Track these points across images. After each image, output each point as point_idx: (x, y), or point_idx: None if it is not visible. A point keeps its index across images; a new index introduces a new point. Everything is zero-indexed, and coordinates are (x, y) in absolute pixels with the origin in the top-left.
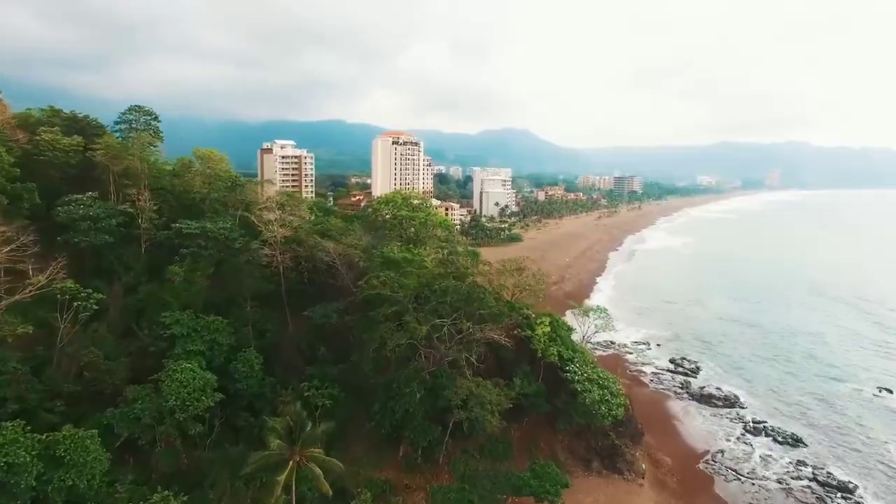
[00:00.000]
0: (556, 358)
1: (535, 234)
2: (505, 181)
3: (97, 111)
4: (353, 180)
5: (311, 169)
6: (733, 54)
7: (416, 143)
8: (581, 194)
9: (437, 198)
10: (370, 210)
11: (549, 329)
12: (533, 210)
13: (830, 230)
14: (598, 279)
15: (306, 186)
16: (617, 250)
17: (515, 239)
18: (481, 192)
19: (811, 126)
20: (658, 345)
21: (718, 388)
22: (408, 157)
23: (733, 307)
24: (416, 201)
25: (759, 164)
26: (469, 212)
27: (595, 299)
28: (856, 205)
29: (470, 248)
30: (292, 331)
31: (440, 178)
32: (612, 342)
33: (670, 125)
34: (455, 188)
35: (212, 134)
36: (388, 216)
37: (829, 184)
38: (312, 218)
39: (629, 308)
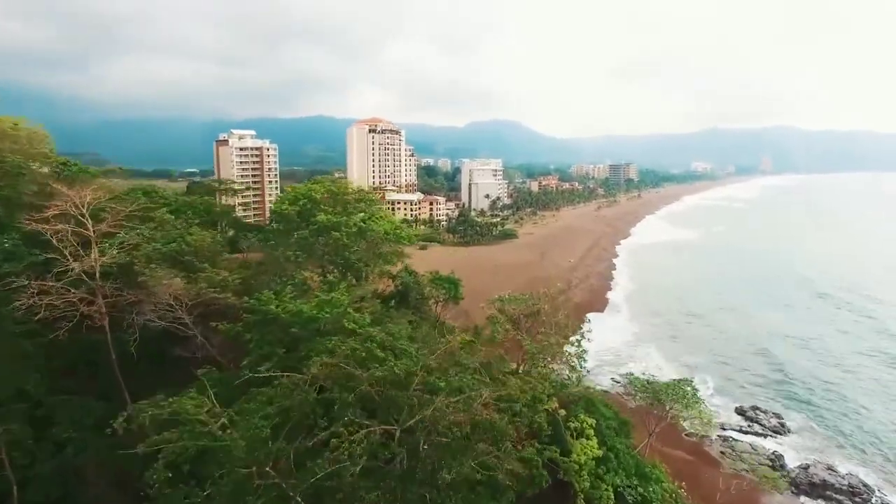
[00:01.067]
0: (612, 502)
1: (532, 228)
2: (496, 171)
3: (83, 112)
4: (337, 175)
5: (275, 163)
6: (724, 45)
7: (397, 132)
8: (577, 184)
9: (423, 191)
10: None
11: (596, 448)
12: (527, 202)
13: (840, 218)
14: (610, 283)
15: (269, 182)
16: (623, 245)
17: (510, 235)
18: (470, 184)
19: (797, 111)
20: (707, 382)
21: (831, 469)
22: (387, 146)
23: (775, 317)
24: (351, 196)
25: (748, 150)
26: (457, 206)
27: (611, 312)
28: (855, 191)
29: (443, 276)
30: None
31: (427, 171)
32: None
33: (658, 115)
34: (443, 181)
35: (200, 134)
36: (296, 224)
37: (819, 167)
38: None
39: (656, 325)
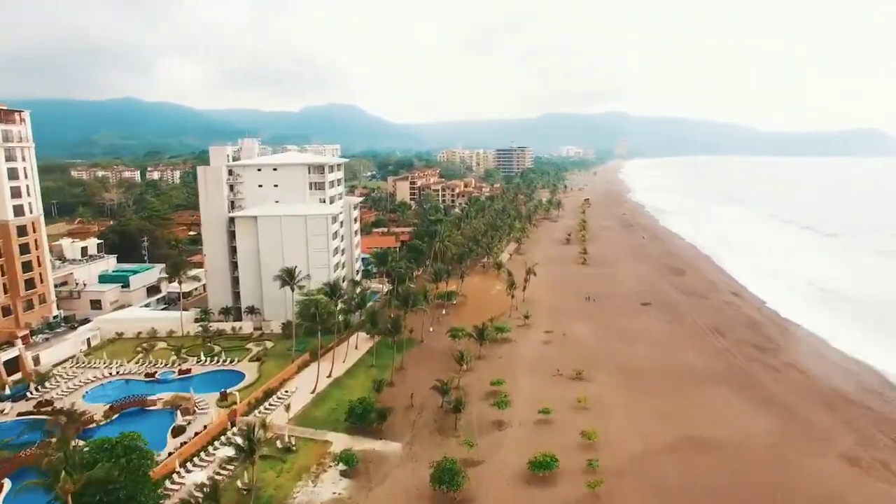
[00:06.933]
0: None
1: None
2: (330, 174)
3: None
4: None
5: None
6: (561, 22)
7: None
8: (480, 182)
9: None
10: None
11: None
12: (422, 253)
13: None
14: None
15: None
16: None
17: None
18: (256, 219)
19: (624, 97)
20: None
21: None
22: None
23: None
24: None
25: (591, 135)
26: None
27: None
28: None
29: None
30: None
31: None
32: None
33: (497, 98)
34: None
35: None
36: None
37: (659, 152)
38: None
39: None
